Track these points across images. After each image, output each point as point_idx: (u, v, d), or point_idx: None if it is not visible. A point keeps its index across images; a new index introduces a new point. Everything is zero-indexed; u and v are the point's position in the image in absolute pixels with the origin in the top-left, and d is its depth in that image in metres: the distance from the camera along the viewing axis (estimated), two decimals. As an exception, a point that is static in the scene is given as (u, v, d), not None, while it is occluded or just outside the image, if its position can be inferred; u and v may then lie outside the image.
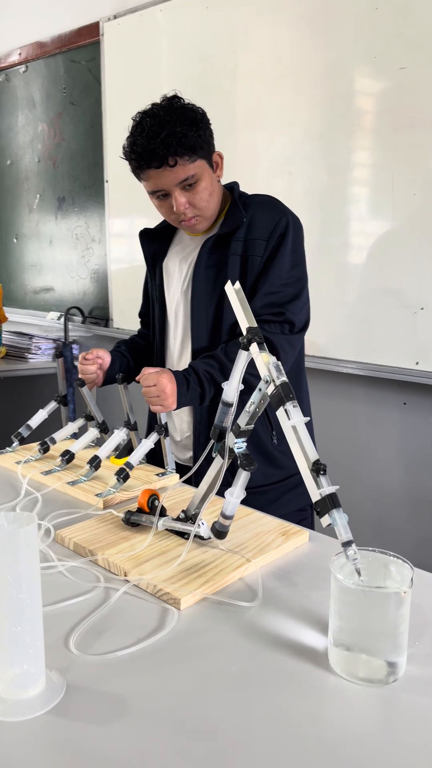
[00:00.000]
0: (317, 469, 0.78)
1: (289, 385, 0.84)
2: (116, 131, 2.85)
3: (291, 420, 0.82)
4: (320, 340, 2.17)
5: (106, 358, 1.50)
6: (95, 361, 1.47)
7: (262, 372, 0.88)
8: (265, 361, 0.88)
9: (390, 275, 2.01)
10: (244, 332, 0.91)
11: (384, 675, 0.73)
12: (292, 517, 1.21)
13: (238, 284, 0.97)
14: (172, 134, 1.27)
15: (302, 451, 0.80)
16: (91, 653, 0.78)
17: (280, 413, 0.83)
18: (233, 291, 0.95)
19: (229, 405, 0.97)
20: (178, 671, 0.75)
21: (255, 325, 0.92)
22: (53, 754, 0.63)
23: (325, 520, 0.77)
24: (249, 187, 1.51)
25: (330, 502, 0.76)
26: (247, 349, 0.91)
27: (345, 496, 0.79)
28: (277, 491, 1.47)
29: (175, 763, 0.62)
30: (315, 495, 0.78)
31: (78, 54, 3.00)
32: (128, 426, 1.40)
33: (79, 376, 1.48)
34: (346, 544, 0.75)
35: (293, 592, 0.93)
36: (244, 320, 0.92)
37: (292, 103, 2.16)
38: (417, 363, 1.99)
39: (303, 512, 1.52)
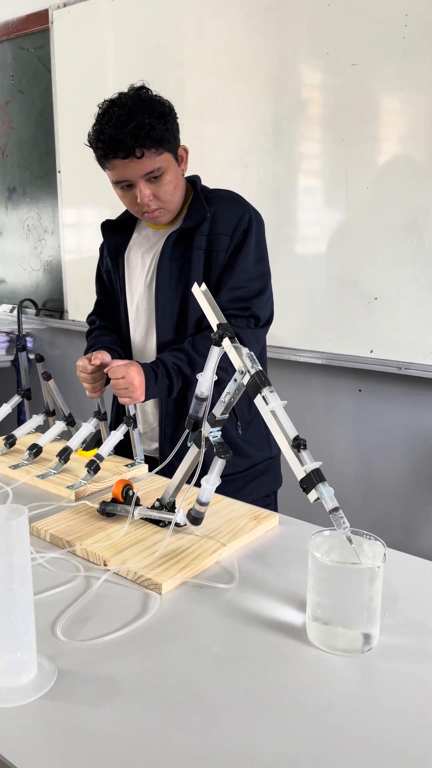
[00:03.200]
0: (297, 444, 0.81)
1: (263, 372, 0.88)
2: (68, 120, 2.82)
3: (269, 405, 0.85)
4: (278, 331, 2.21)
5: (106, 360, 1.36)
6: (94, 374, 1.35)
7: (237, 364, 0.91)
8: (237, 354, 0.91)
9: (345, 266, 2.07)
10: (215, 329, 0.94)
11: (360, 645, 0.78)
12: (257, 504, 1.25)
13: (204, 285, 0.99)
14: (141, 126, 1.26)
15: (283, 433, 0.83)
16: (79, 639, 0.80)
17: (257, 400, 0.86)
18: (200, 292, 0.98)
19: (203, 399, 1.00)
20: (165, 652, 0.78)
21: (224, 321, 0.95)
22: (50, 737, 0.65)
23: (312, 495, 0.80)
24: (205, 179, 1.52)
25: (315, 478, 0.80)
26: (219, 345, 0.94)
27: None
28: (243, 480, 1.51)
29: (169, 736, 0.65)
30: (300, 472, 0.81)
31: (26, 41, 2.94)
32: (98, 416, 1.41)
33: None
34: (334, 510, 0.79)
35: (268, 572, 0.97)
36: (214, 318, 0.95)
37: (247, 96, 2.19)
38: (371, 351, 2.06)
39: (267, 498, 1.57)
